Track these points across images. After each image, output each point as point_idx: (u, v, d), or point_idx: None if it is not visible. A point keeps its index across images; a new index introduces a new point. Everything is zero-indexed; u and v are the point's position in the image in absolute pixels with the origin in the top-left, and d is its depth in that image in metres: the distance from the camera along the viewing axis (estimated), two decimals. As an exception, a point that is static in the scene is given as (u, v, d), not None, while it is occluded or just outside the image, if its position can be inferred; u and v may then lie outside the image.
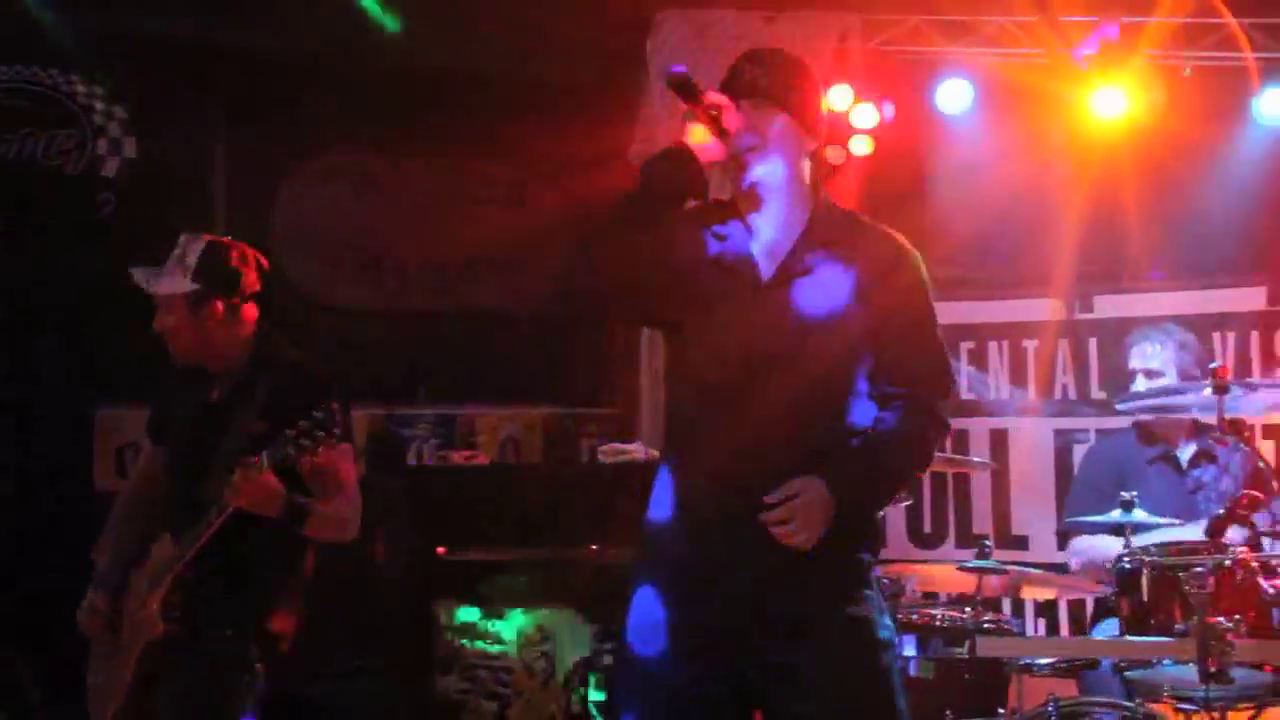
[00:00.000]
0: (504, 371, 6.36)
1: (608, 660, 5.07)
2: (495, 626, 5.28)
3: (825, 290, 2.69)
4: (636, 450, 5.50)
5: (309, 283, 6.64)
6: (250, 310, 3.64)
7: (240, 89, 6.31)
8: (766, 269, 2.73)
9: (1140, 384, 4.74)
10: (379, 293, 6.97)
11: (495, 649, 5.27)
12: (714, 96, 2.67)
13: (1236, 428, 3.95)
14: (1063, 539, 5.01)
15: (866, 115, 5.96)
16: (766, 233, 2.75)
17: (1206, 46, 5.86)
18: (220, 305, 3.56)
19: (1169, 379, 4.62)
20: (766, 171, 2.72)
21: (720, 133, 2.64)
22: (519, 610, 5.28)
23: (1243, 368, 6.00)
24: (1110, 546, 4.23)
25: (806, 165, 2.79)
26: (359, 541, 3.69)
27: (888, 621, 2.73)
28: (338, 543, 3.58)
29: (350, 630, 5.01)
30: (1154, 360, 4.78)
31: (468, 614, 5.31)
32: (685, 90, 2.64)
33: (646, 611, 2.70)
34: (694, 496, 2.69)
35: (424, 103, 6.29)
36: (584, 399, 6.39)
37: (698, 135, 2.65)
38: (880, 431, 2.71)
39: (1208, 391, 3.98)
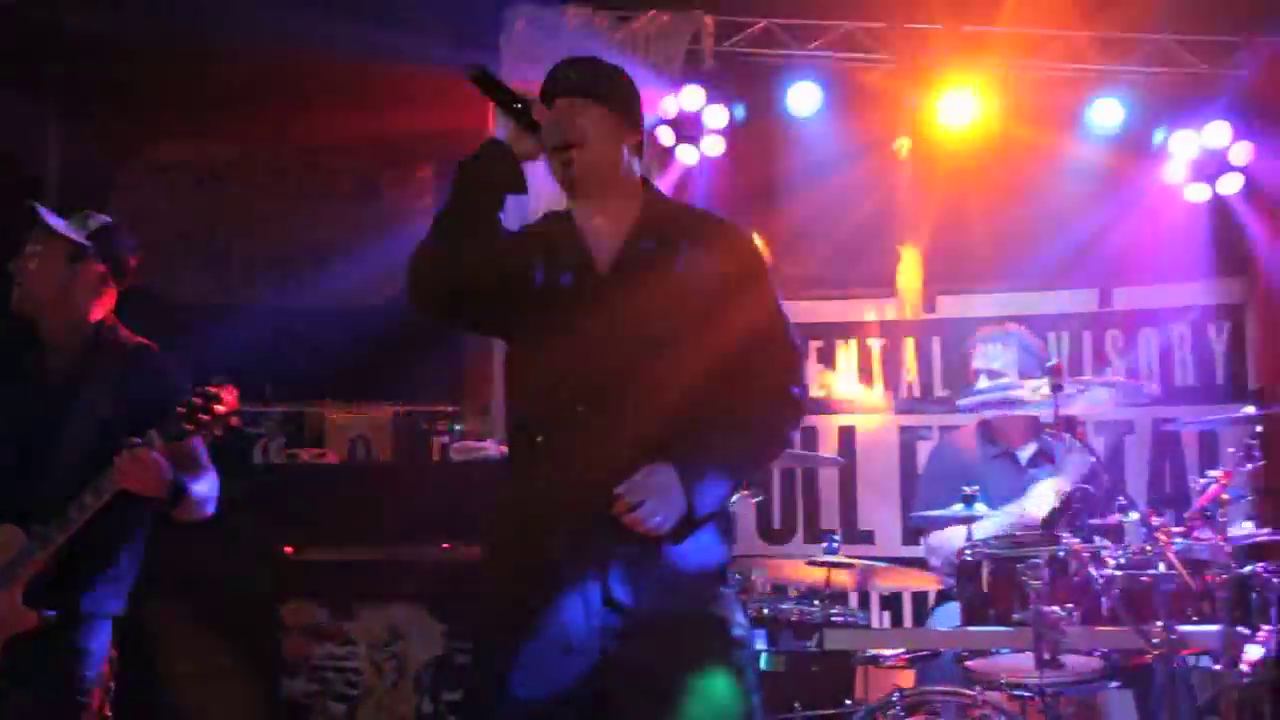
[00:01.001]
0: (354, 369, 6.24)
1: (461, 659, 5.02)
2: (343, 627, 5.19)
3: (662, 280, 2.68)
4: (490, 448, 5.46)
5: (148, 277, 6.43)
6: (110, 297, 3.67)
7: (75, 75, 6.08)
8: (601, 262, 2.73)
9: (984, 384, 4.88)
10: (223, 288, 6.80)
11: (343, 649, 5.18)
12: (518, 89, 2.67)
13: (1071, 425, 4.09)
14: (912, 534, 5.13)
15: (718, 116, 6.01)
16: (598, 226, 2.75)
17: (1045, 57, 6.06)
18: (95, 272, 3.61)
19: (1012, 379, 4.76)
20: (588, 164, 2.71)
21: (529, 126, 2.64)
22: (368, 610, 5.20)
23: (1077, 367, 6.24)
24: (961, 537, 4.35)
25: (631, 158, 2.79)
26: (204, 540, 3.64)
27: (742, 619, 2.72)
28: (196, 521, 3.54)
29: (194, 632, 4.87)
30: (997, 361, 4.93)
31: (315, 614, 5.21)
32: (486, 85, 2.63)
33: (496, 612, 2.68)
34: (539, 496, 2.65)
35: (270, 92, 6.14)
36: (436, 396, 6.31)
37: (508, 130, 2.64)
38: (730, 415, 2.68)
39: (1044, 390, 4.12)
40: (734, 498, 4.30)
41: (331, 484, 5.64)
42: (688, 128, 6.04)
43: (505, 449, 2.90)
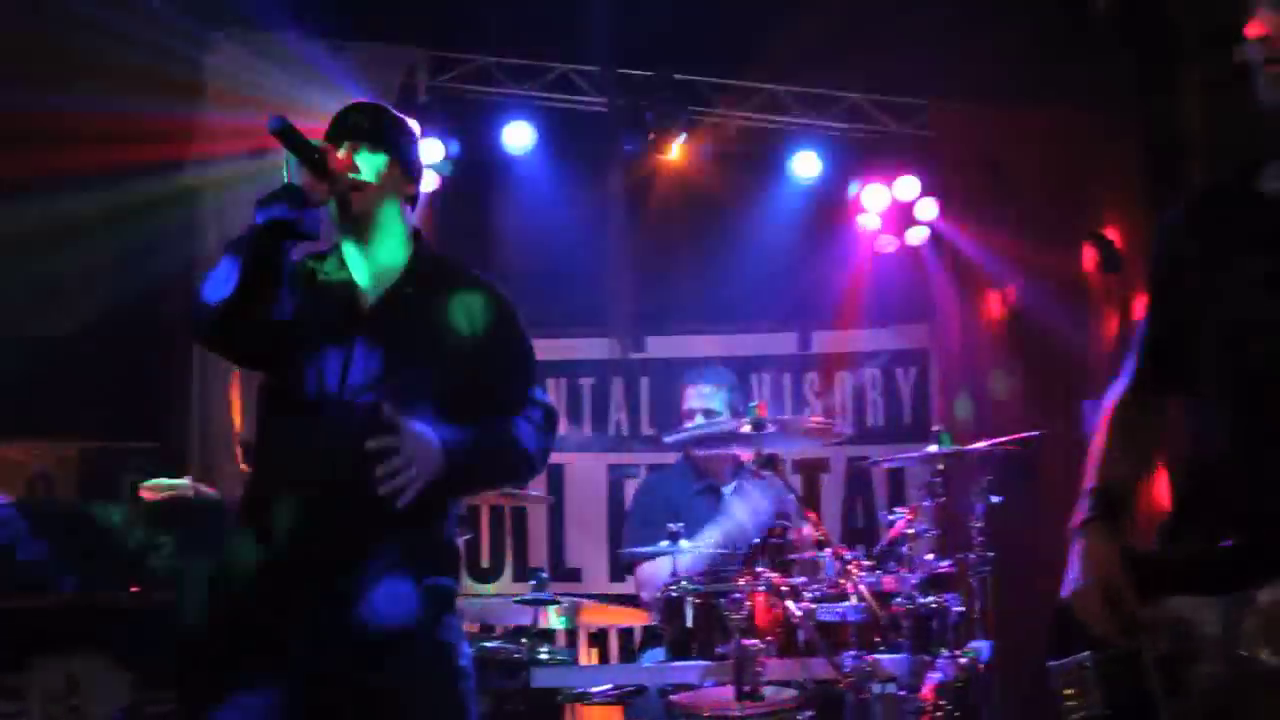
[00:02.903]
0: (35, 402, 5.84)
1: (151, 709, 4.75)
2: (13, 680, 4.81)
3: (423, 326, 2.76)
4: (184, 486, 5.20)
5: None
6: None
7: None
8: (367, 303, 2.79)
9: (698, 422, 4.99)
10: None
11: (13, 706, 4.81)
12: (316, 141, 2.71)
13: (770, 462, 4.24)
14: (621, 570, 5.19)
15: (433, 151, 5.97)
16: (369, 270, 2.81)
17: (751, 108, 6.30)
18: None
19: (724, 418, 4.89)
20: (368, 210, 2.78)
21: (324, 174, 2.68)
22: (42, 661, 4.84)
23: (777, 407, 6.48)
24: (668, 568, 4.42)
25: (407, 209, 2.88)
26: None
27: (467, 649, 2.76)
28: None
29: None
30: (712, 401, 5.05)
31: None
32: (287, 138, 2.66)
33: (221, 645, 2.66)
34: (277, 521, 2.65)
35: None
36: (127, 431, 5.98)
37: (303, 177, 2.68)
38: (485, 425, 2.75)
39: (747, 428, 4.26)
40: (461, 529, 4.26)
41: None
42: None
43: (205, 488, 2.87)
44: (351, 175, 2.73)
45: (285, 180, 2.67)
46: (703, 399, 5.08)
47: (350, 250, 2.83)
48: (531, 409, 2.85)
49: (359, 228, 2.80)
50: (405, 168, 2.84)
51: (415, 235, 2.90)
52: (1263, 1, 2.19)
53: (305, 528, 2.62)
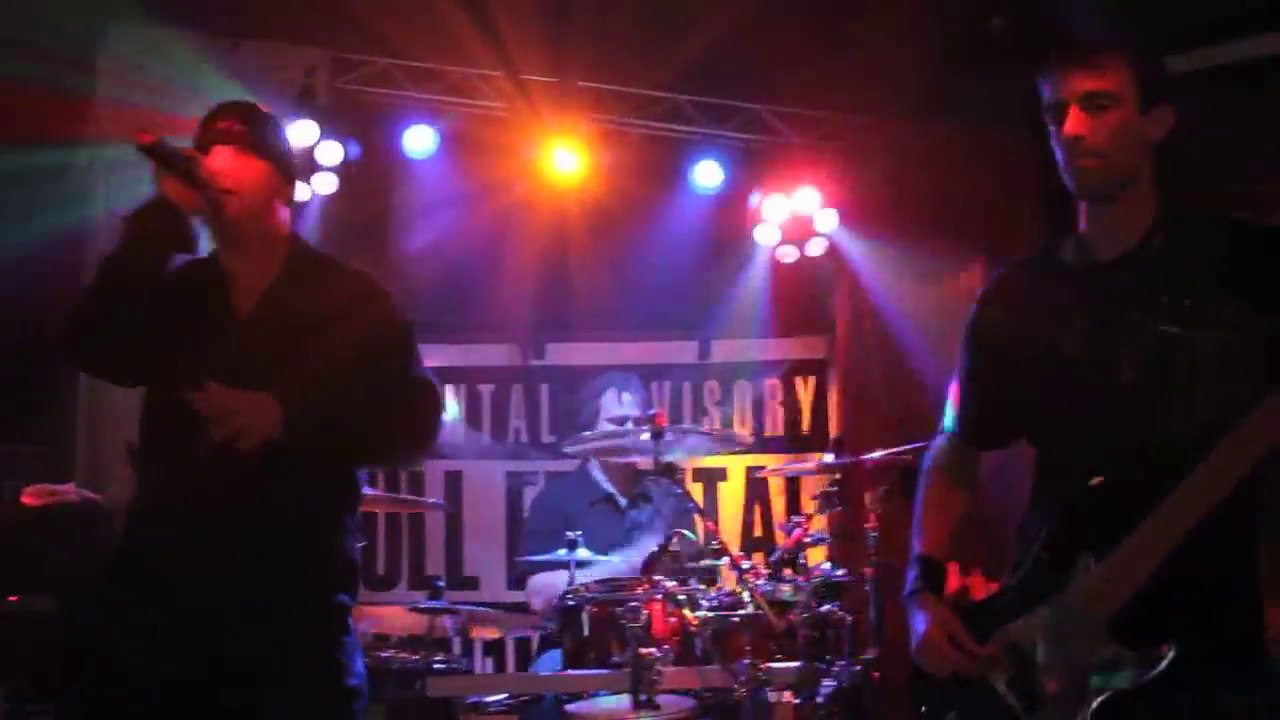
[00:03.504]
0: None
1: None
2: None
3: (298, 330, 2.72)
4: (69, 492, 5.05)
5: None
6: None
7: None
8: (241, 310, 2.75)
9: (601, 430, 4.98)
10: None
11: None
12: (186, 152, 2.69)
13: (669, 471, 4.24)
14: (517, 579, 5.16)
15: (331, 153, 5.89)
16: (242, 275, 2.78)
17: (653, 117, 6.30)
18: None
19: (631, 426, 4.89)
20: (239, 213, 2.75)
21: (195, 183, 2.66)
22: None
23: (677, 415, 6.49)
24: (564, 579, 4.40)
25: (283, 210, 2.85)
26: None
27: (360, 668, 2.72)
28: None
29: None
30: (626, 408, 5.05)
31: None
32: (153, 153, 2.64)
33: (102, 656, 2.62)
34: (161, 531, 2.62)
35: None
36: (10, 434, 5.80)
37: (173, 187, 2.65)
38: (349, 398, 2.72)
39: (646, 436, 4.26)
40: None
41: None
42: (300, 163, 5.86)
43: (91, 493, 2.84)
44: (221, 182, 2.69)
45: (153, 192, 2.64)
46: (614, 407, 5.07)
47: (227, 256, 2.80)
48: (410, 385, 2.82)
49: (234, 234, 2.77)
50: (279, 169, 2.81)
51: (293, 238, 2.87)
52: (1070, 104, 2.41)
53: (189, 538, 2.56)
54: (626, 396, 5.10)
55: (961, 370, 2.70)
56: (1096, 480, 2.36)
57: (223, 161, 2.71)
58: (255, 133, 2.77)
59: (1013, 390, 2.57)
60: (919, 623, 2.52)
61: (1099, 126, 2.38)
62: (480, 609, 4.83)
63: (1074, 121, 2.39)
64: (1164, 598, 2.27)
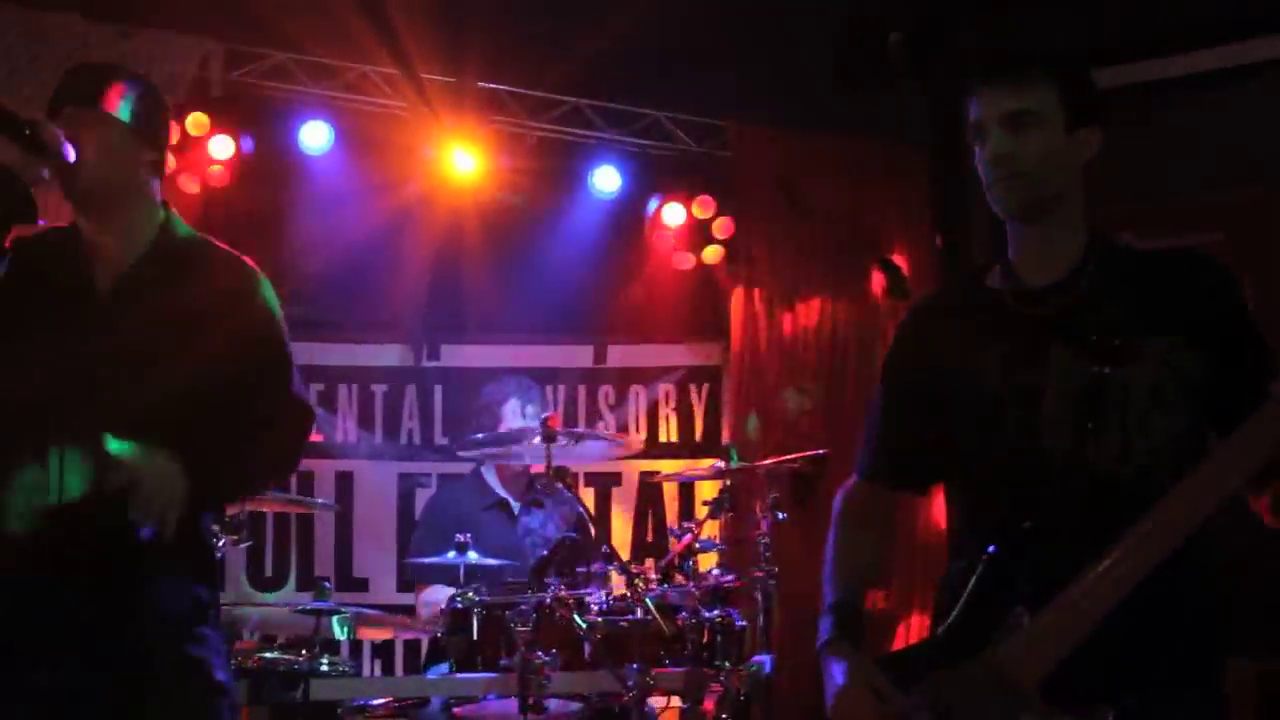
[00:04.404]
0: None
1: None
2: None
3: (163, 308, 2.59)
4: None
5: None
6: None
7: None
8: (102, 285, 2.60)
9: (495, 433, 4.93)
10: None
11: None
12: (26, 115, 2.47)
13: (561, 475, 4.24)
14: (408, 582, 5.11)
15: (224, 146, 5.79)
16: (104, 247, 2.62)
17: (551, 120, 6.30)
18: None
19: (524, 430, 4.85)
20: (95, 180, 2.58)
21: (35, 148, 2.44)
22: None
23: (572, 419, 6.49)
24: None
25: (150, 178, 2.69)
26: None
27: (221, 662, 2.64)
28: None
29: None
30: (529, 420, 5.00)
31: None
32: None
33: None
34: (9, 526, 2.50)
35: None
36: None
37: (10, 153, 2.45)
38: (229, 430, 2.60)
39: (538, 440, 4.25)
40: (221, 539, 4.12)
41: None
42: (191, 155, 5.76)
43: None
44: (64, 147, 2.48)
45: None
46: (517, 415, 5.03)
47: (88, 228, 2.62)
48: (283, 406, 2.71)
49: (89, 203, 2.60)
50: (140, 133, 2.62)
51: (166, 215, 2.70)
52: (994, 124, 2.32)
53: (38, 533, 2.46)
54: (530, 409, 5.07)
55: (876, 408, 2.56)
56: (1025, 524, 2.23)
57: (72, 126, 2.52)
58: (108, 94, 2.58)
59: (930, 431, 2.42)
60: (836, 674, 2.31)
61: (1021, 147, 2.29)
62: (368, 610, 4.77)
63: (994, 143, 2.31)
64: (1102, 651, 2.13)
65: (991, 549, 2.26)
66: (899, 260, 6.19)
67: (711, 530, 4.77)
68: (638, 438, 6.29)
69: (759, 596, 4.70)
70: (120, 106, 2.58)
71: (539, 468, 4.63)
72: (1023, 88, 2.31)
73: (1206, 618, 2.27)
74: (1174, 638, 2.22)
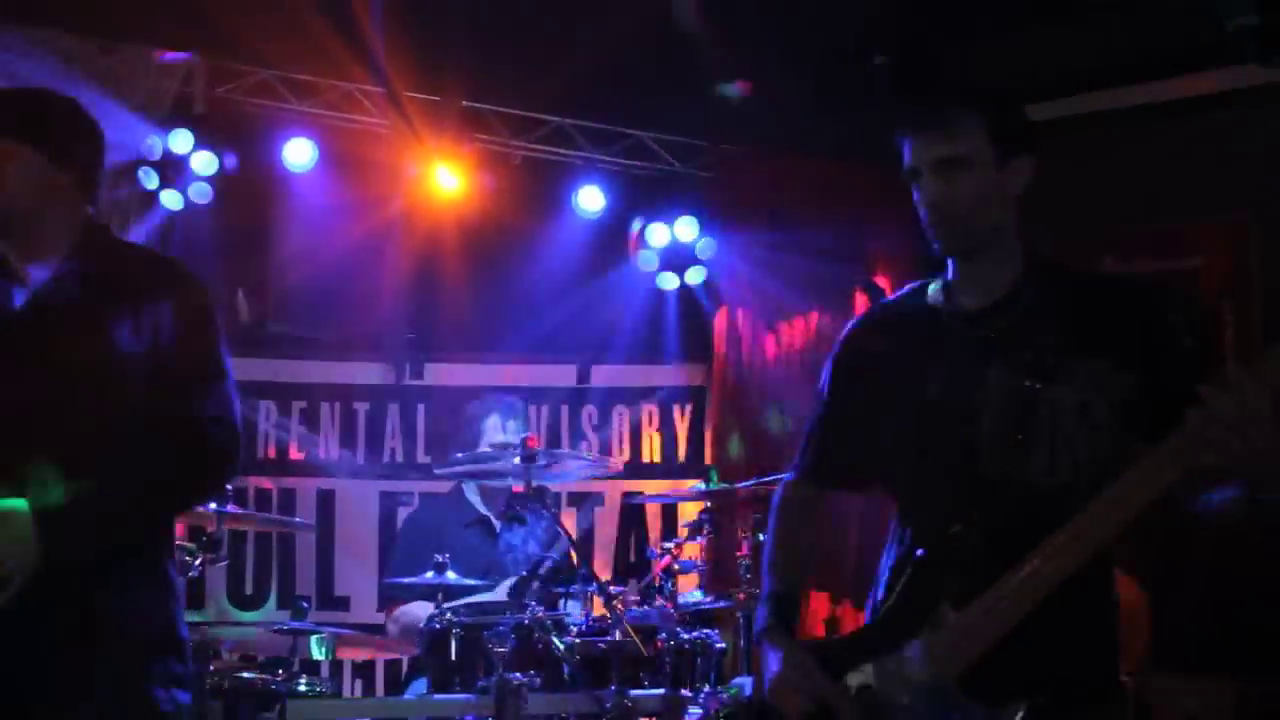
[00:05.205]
0: None
1: None
2: None
3: (81, 324, 2.54)
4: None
5: None
6: None
7: None
8: (20, 299, 2.56)
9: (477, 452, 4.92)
10: None
11: None
12: None
13: (541, 495, 4.23)
14: (385, 602, 5.08)
15: (207, 163, 5.77)
16: (24, 267, 2.59)
17: (535, 140, 6.31)
18: None
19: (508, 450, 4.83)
20: (14, 212, 2.56)
21: None
22: None
23: (555, 439, 6.48)
24: (428, 611, 4.34)
25: (67, 195, 2.64)
26: None
27: (179, 695, 2.58)
28: None
29: None
30: (510, 435, 4.99)
31: None
32: None
33: None
34: None
35: None
36: None
37: None
38: (132, 465, 2.51)
39: (518, 459, 4.24)
40: (197, 558, 4.10)
41: None
42: (173, 172, 5.75)
43: None
44: None
45: None
46: (500, 432, 5.00)
47: (7, 246, 2.59)
48: (201, 432, 2.59)
49: (7, 232, 2.57)
50: (53, 153, 2.59)
51: (88, 224, 2.67)
52: (926, 170, 2.42)
53: None
54: (511, 424, 5.05)
55: (817, 408, 2.70)
56: (955, 529, 2.36)
57: None
58: (16, 116, 2.57)
59: (868, 433, 2.57)
60: (772, 661, 2.48)
61: (953, 192, 2.39)
62: (345, 630, 4.74)
63: (929, 190, 2.41)
64: (1018, 651, 2.27)
65: (920, 553, 2.40)
66: (882, 283, 6.19)
67: (693, 551, 4.76)
68: (617, 459, 6.27)
69: (740, 618, 4.69)
70: (26, 132, 2.58)
71: (521, 488, 4.62)
72: (952, 135, 2.40)
73: (1110, 627, 2.42)
74: (1083, 642, 2.37)
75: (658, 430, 6.67)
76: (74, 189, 2.64)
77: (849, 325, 2.71)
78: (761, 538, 4.69)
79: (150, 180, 5.72)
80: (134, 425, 2.51)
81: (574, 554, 4.52)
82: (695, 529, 4.69)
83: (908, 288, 2.64)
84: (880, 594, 2.50)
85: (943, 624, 2.32)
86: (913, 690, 2.32)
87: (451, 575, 4.33)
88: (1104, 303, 2.43)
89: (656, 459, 6.66)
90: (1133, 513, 2.22)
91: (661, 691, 4.02)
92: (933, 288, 2.56)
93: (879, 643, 2.40)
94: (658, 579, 4.48)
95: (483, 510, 5.07)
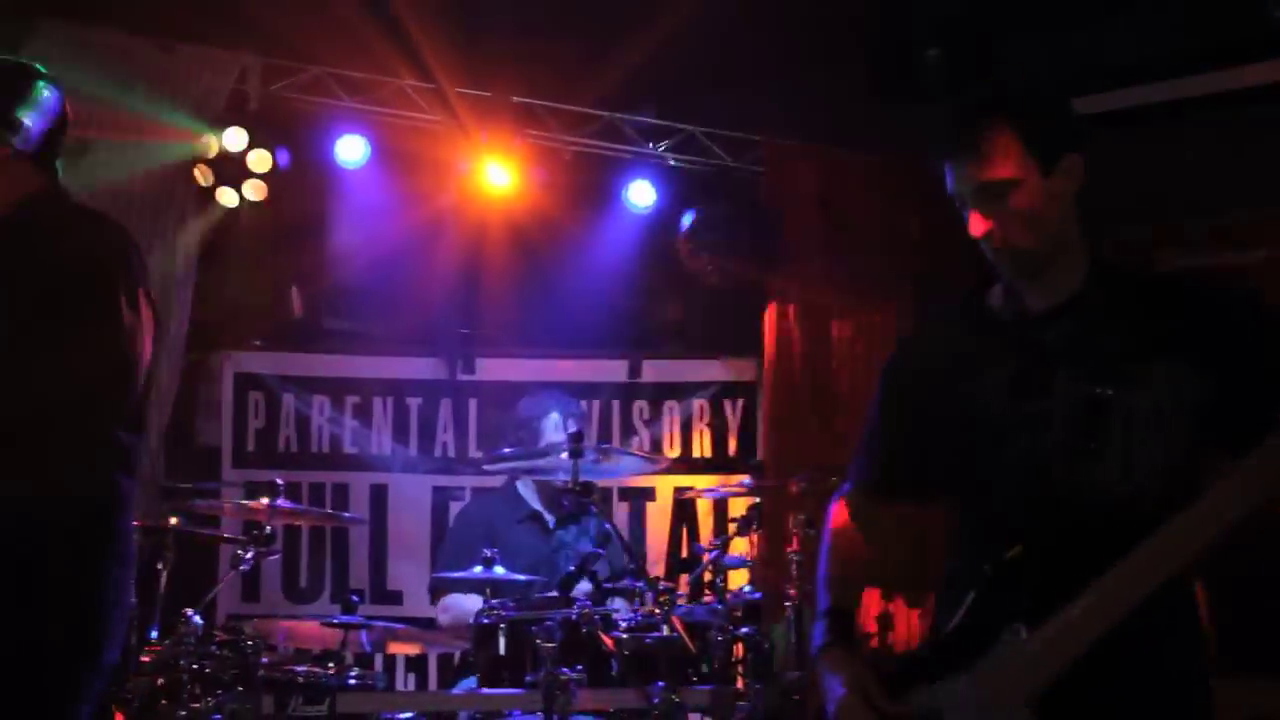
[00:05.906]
0: None
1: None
2: None
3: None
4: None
5: None
6: None
7: None
8: None
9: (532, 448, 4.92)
10: None
11: None
12: None
13: (588, 491, 4.22)
14: (434, 595, 5.11)
15: (261, 160, 5.82)
16: None
17: (586, 135, 6.30)
18: None
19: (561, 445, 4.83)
20: None
21: None
22: None
23: (606, 435, 6.48)
24: (476, 603, 4.36)
25: (16, 160, 2.71)
26: None
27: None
28: None
29: None
30: (570, 429, 4.98)
31: None
32: None
33: None
34: None
35: None
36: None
37: None
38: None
39: (565, 455, 4.24)
40: (250, 551, 4.12)
41: None
42: (228, 169, 5.80)
43: None
44: None
45: None
46: (558, 429, 5.01)
47: None
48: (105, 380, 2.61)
49: None
50: None
51: (30, 194, 2.71)
52: (970, 197, 2.31)
53: None
54: (571, 423, 5.05)
55: (874, 419, 2.58)
56: (1024, 544, 2.24)
57: None
58: None
59: (929, 444, 2.45)
60: (834, 684, 2.35)
61: (1003, 216, 2.29)
62: (395, 624, 4.77)
63: (976, 221, 2.31)
64: (1095, 673, 2.15)
65: (988, 569, 2.27)
66: (933, 281, 6.12)
67: (742, 548, 4.73)
68: (668, 454, 6.26)
69: (790, 613, 4.67)
70: None
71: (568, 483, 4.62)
72: (988, 159, 2.29)
73: (1196, 647, 2.29)
74: (1167, 665, 2.23)
75: (709, 425, 6.64)
76: (28, 156, 2.70)
77: (905, 332, 2.61)
78: (811, 532, 4.67)
79: (205, 178, 5.79)
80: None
81: (624, 549, 4.52)
82: (743, 525, 4.67)
83: (967, 290, 2.54)
84: (945, 611, 2.36)
85: (1014, 644, 2.20)
86: (982, 715, 2.21)
87: (500, 570, 4.33)
88: (1174, 304, 2.32)
89: (707, 454, 6.63)
90: (1223, 528, 2.11)
91: (711, 687, 4.00)
92: (994, 290, 2.45)
93: (946, 662, 2.27)
94: (708, 574, 4.47)
95: (536, 506, 5.08)
